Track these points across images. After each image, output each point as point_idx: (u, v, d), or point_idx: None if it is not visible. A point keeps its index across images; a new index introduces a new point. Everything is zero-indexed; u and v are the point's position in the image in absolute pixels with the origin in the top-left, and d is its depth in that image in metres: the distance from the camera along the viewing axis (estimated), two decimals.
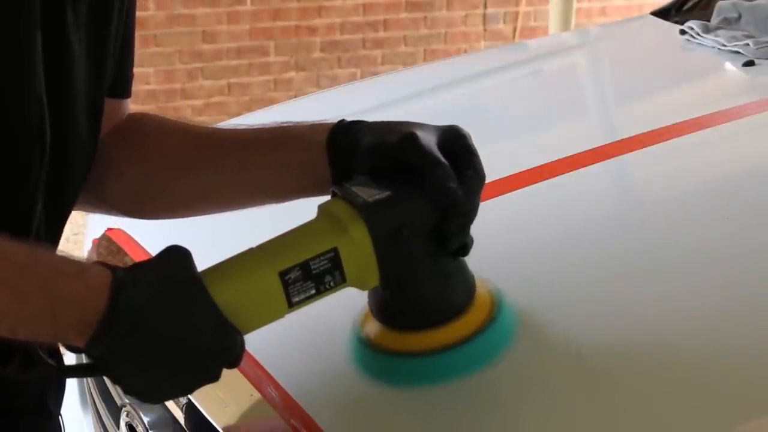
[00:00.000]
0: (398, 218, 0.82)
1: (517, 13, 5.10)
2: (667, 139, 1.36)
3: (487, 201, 1.21)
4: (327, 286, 0.81)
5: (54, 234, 0.89)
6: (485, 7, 5.06)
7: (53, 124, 0.82)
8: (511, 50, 3.00)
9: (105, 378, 1.26)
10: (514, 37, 5.09)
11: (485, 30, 5.09)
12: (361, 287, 0.86)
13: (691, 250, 1.07)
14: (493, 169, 1.29)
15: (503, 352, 0.88)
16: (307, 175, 0.91)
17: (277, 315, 0.81)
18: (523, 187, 1.23)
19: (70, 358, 1.44)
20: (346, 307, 1.06)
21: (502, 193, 1.22)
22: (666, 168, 1.30)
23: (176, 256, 0.77)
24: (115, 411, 1.20)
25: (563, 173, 1.26)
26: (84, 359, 0.80)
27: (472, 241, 0.86)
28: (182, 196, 0.99)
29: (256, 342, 1.01)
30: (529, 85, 1.92)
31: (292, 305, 0.81)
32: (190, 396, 1.02)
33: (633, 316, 0.97)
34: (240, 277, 0.80)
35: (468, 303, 0.87)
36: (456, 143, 0.86)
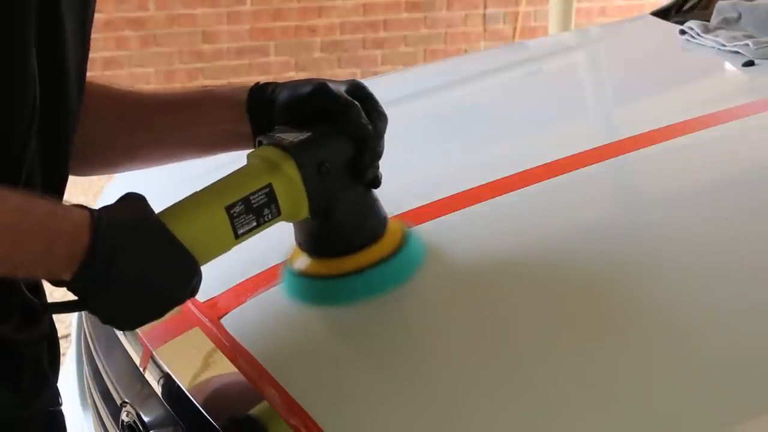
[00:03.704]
0: (321, 154, 0.95)
1: (517, 13, 5.10)
2: (667, 139, 1.36)
3: (487, 201, 1.22)
4: (265, 219, 0.94)
5: (56, 193, 0.96)
6: (485, 7, 5.06)
7: (47, 96, 0.88)
8: (511, 50, 3.00)
9: (104, 377, 1.26)
10: (514, 37, 5.09)
11: (485, 30, 5.09)
12: (294, 219, 0.98)
13: (691, 250, 1.07)
14: (493, 169, 1.30)
15: (416, 271, 1.03)
16: (230, 132, 1.04)
17: (226, 246, 0.92)
18: (523, 187, 1.23)
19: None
20: (345, 311, 1.06)
21: (502, 194, 1.22)
22: (666, 168, 1.30)
23: (135, 199, 0.88)
24: (115, 411, 1.20)
25: (563, 173, 1.26)
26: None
27: (381, 175, 1.00)
28: (118, 155, 1.10)
29: (257, 342, 1.01)
30: (529, 85, 1.92)
31: (238, 236, 0.92)
32: (178, 381, 1.02)
33: (633, 313, 0.97)
34: (193, 213, 0.91)
35: (382, 231, 1.02)
36: (359, 92, 0.99)
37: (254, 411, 0.97)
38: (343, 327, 1.05)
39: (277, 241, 1.05)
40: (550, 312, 0.98)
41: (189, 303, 1.09)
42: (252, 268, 1.13)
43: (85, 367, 1.41)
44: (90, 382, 1.35)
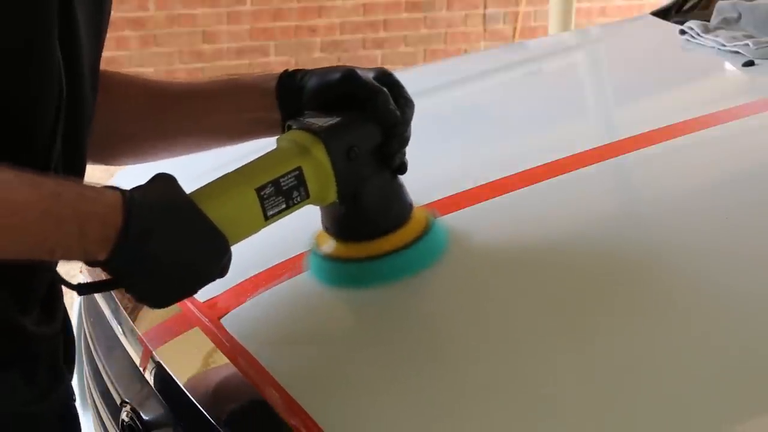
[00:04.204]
0: (350, 139, 0.97)
1: (517, 13, 5.10)
2: (667, 139, 1.36)
3: (487, 201, 1.22)
4: (294, 201, 0.95)
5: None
6: (485, 7, 5.06)
7: (67, 83, 0.90)
8: (511, 50, 3.00)
9: (104, 377, 1.26)
10: (514, 37, 5.10)
11: (485, 30, 5.09)
12: (321, 203, 1.00)
13: (691, 250, 1.07)
14: (494, 169, 1.30)
15: (440, 257, 1.05)
16: (258, 119, 1.05)
17: (255, 228, 0.94)
18: (523, 187, 1.23)
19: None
20: (345, 309, 1.06)
21: (502, 194, 1.22)
22: (666, 168, 1.30)
23: (166, 179, 0.89)
24: (115, 411, 1.20)
25: (563, 173, 1.26)
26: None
27: (407, 162, 1.02)
28: (146, 144, 1.12)
29: (257, 342, 1.01)
30: (529, 85, 1.92)
31: (267, 218, 0.93)
32: (178, 381, 1.02)
33: (632, 310, 0.97)
34: (223, 194, 0.92)
35: (408, 217, 1.04)
36: (386, 79, 1.01)
37: (254, 411, 0.97)
38: (344, 326, 1.06)
39: (276, 241, 1.05)
40: (552, 309, 0.99)
41: (189, 303, 1.10)
42: (252, 268, 1.13)
43: (85, 367, 1.41)
44: (90, 382, 1.35)
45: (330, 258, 1.05)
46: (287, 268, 1.12)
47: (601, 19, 5.11)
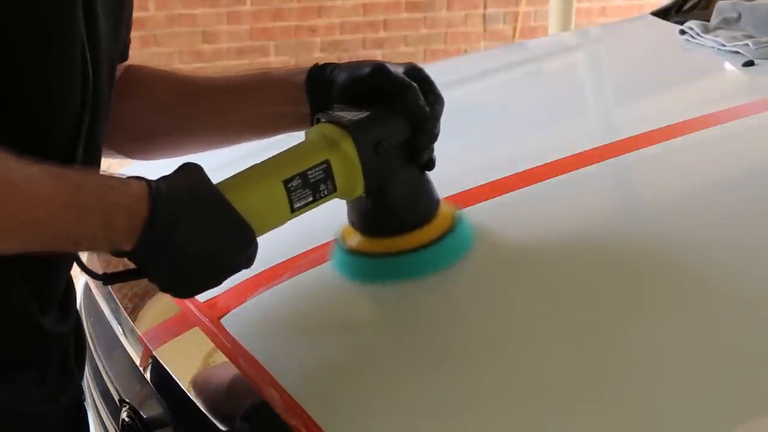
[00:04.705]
0: (378, 133, 0.97)
1: (517, 13, 5.10)
2: (667, 139, 1.36)
3: (487, 201, 1.22)
4: (321, 195, 0.95)
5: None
6: (485, 7, 5.06)
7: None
8: (511, 50, 3.00)
9: (104, 377, 1.26)
10: (514, 37, 5.10)
11: (485, 30, 5.09)
12: (348, 197, 0.99)
13: (690, 250, 1.07)
14: (494, 169, 1.30)
15: (466, 253, 1.05)
16: (287, 113, 1.05)
17: (281, 220, 0.94)
18: (523, 187, 1.23)
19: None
20: (345, 308, 1.06)
21: (502, 194, 1.22)
22: (666, 168, 1.30)
23: (193, 169, 0.88)
24: (115, 411, 1.20)
25: (563, 173, 1.26)
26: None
27: (435, 158, 1.01)
28: (171, 138, 1.12)
29: (257, 342, 1.01)
30: (529, 85, 1.92)
31: (294, 210, 0.93)
32: (178, 381, 1.02)
33: (629, 312, 0.97)
34: (250, 185, 0.92)
35: (435, 213, 1.03)
36: (416, 74, 1.01)
37: (254, 411, 0.97)
38: (345, 325, 1.05)
39: (276, 241, 1.05)
40: (559, 308, 0.98)
41: (189, 303, 1.10)
42: (252, 267, 1.13)
43: (86, 367, 1.41)
44: (90, 382, 1.35)
45: (355, 252, 1.05)
46: (288, 268, 1.12)
47: (601, 19, 5.11)
